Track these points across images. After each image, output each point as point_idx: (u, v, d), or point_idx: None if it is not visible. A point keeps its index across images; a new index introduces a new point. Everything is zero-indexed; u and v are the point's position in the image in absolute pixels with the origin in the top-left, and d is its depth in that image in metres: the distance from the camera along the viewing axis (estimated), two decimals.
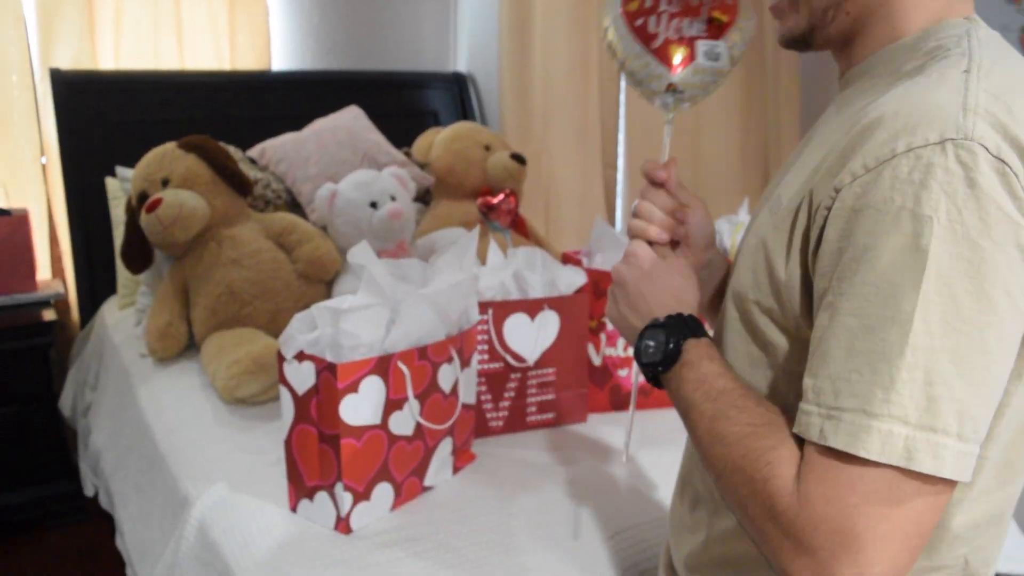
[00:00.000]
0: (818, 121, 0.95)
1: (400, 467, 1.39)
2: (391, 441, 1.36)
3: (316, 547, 1.28)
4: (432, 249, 2.26)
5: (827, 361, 0.69)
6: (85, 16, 2.56)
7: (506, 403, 1.70)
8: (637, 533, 1.38)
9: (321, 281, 2.20)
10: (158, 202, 1.97)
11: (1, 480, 2.36)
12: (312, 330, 1.32)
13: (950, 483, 0.66)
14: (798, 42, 0.87)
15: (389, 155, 2.64)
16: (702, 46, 0.99)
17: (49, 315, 2.38)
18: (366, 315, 1.30)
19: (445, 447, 1.48)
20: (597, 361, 1.85)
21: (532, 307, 1.69)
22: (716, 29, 1.00)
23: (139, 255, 2.11)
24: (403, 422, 1.38)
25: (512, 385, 1.70)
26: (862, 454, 0.65)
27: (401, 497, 1.41)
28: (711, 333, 0.94)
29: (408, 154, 2.74)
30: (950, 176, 0.64)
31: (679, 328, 0.87)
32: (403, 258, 1.53)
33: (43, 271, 2.58)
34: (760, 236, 0.83)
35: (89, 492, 2.27)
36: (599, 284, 1.82)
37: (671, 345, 0.86)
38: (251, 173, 2.40)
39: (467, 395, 1.53)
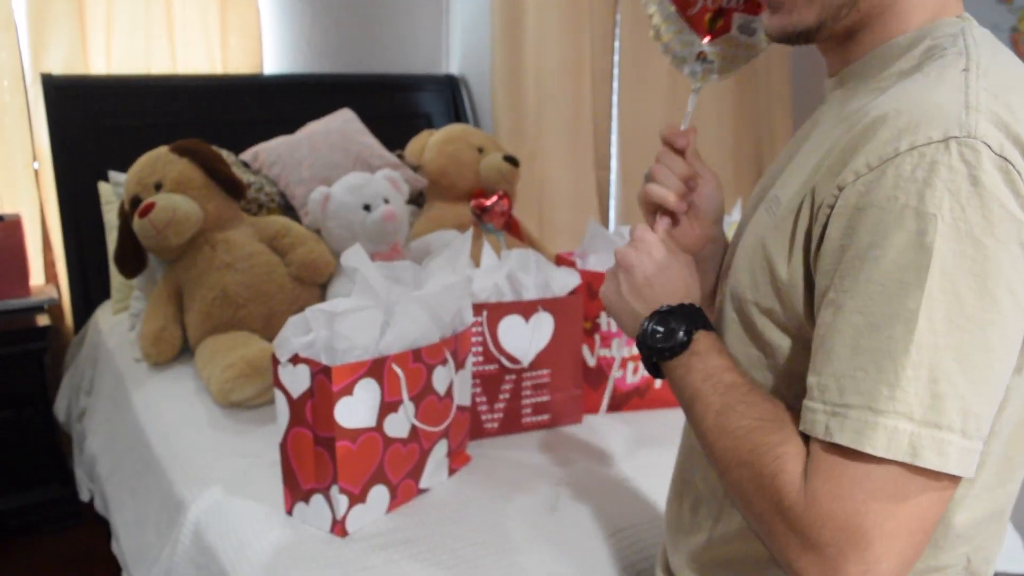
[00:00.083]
0: (809, 120, 0.95)
1: (395, 469, 1.39)
2: (386, 443, 1.36)
3: (312, 550, 1.28)
4: (426, 251, 2.27)
5: (832, 359, 0.69)
6: (76, 20, 2.55)
7: (501, 405, 1.70)
8: (633, 533, 1.38)
9: (315, 284, 2.20)
10: (151, 206, 1.97)
11: None
12: (306, 333, 1.32)
13: (954, 479, 0.67)
14: (799, 37, 0.84)
15: (382, 158, 2.64)
16: (738, 19, 0.97)
17: (43, 320, 2.37)
18: (360, 318, 1.30)
19: (440, 449, 1.48)
20: (592, 362, 1.85)
21: (526, 309, 1.69)
22: (754, 5, 0.98)
23: (132, 259, 2.11)
24: (398, 424, 1.38)
25: (507, 387, 1.70)
26: (868, 450, 0.65)
27: (397, 499, 1.41)
28: None
29: (401, 156, 2.75)
30: (954, 174, 0.65)
31: (691, 317, 0.87)
32: (397, 260, 1.53)
33: (36, 276, 2.58)
34: (759, 236, 0.83)
35: (84, 497, 2.26)
36: (593, 285, 1.82)
37: (681, 333, 0.85)
38: (244, 176, 2.40)
39: (462, 397, 1.53)
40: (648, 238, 0.95)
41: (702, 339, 0.85)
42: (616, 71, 3.28)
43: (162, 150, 2.13)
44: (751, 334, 0.85)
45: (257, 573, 1.24)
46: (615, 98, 3.30)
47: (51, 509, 2.44)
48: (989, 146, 0.65)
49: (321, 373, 1.28)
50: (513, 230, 2.54)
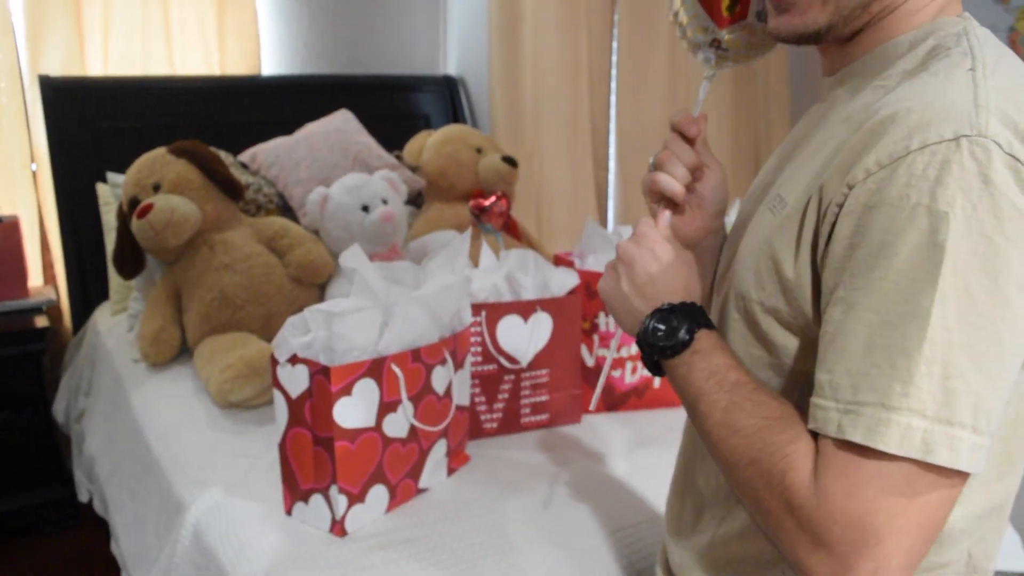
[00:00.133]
0: (804, 119, 0.95)
1: (395, 469, 1.39)
2: (385, 443, 1.37)
3: (311, 550, 1.28)
4: (424, 252, 2.27)
5: (844, 356, 0.69)
6: (73, 22, 2.55)
7: (500, 405, 1.70)
8: (633, 533, 1.38)
9: (313, 285, 2.20)
10: (149, 207, 1.97)
11: None
12: (305, 333, 1.32)
13: (963, 475, 0.67)
14: (809, 38, 0.84)
15: (380, 158, 2.64)
16: (756, 4, 0.97)
17: (41, 321, 2.37)
18: (359, 318, 1.31)
19: (439, 449, 1.49)
20: (590, 362, 1.85)
21: (525, 309, 1.70)
22: None
23: (131, 261, 2.11)
24: (397, 424, 1.38)
25: (506, 387, 1.70)
26: (881, 447, 0.65)
27: (396, 499, 1.41)
28: None
29: (399, 157, 2.75)
30: (965, 172, 0.65)
31: (693, 315, 0.86)
32: (395, 261, 1.54)
33: (35, 278, 2.58)
34: (763, 236, 0.83)
35: (83, 498, 2.26)
36: (591, 285, 1.82)
37: (683, 331, 0.85)
38: (242, 178, 2.40)
39: (461, 397, 1.53)
40: (651, 234, 0.93)
41: (704, 337, 0.84)
42: (614, 71, 3.28)
43: (160, 151, 2.13)
44: (755, 333, 0.85)
45: (257, 574, 1.24)
46: (613, 98, 3.31)
47: (50, 510, 2.44)
48: (999, 145, 0.66)
49: (320, 373, 1.28)
50: (511, 230, 2.55)
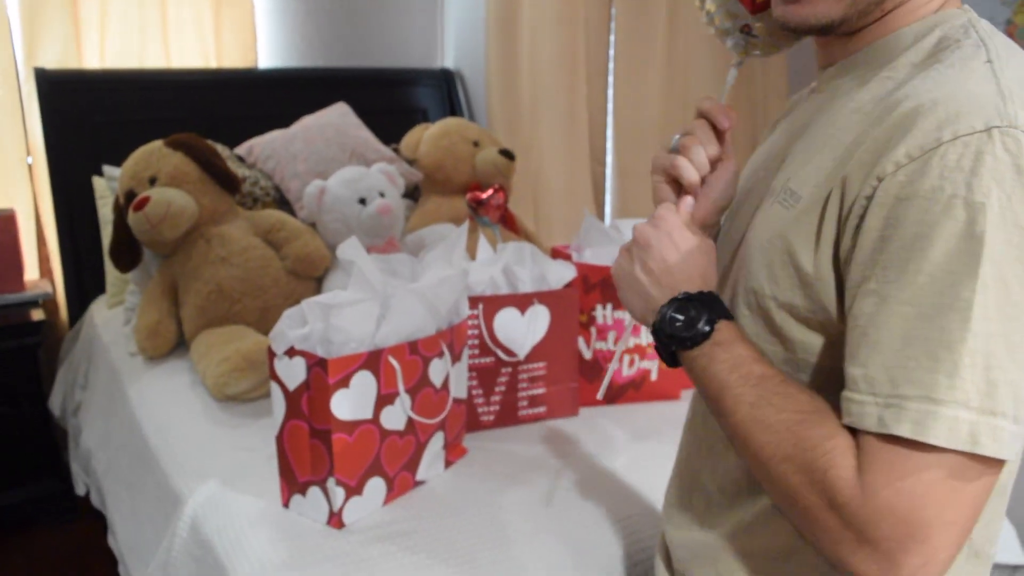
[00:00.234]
0: (798, 110, 0.95)
1: (392, 461, 1.39)
2: (383, 436, 1.36)
3: (309, 542, 1.28)
4: (421, 245, 2.26)
5: (879, 349, 0.68)
6: (70, 15, 2.54)
7: (497, 397, 1.70)
8: (630, 525, 1.38)
9: (310, 278, 2.20)
10: (146, 200, 1.97)
11: None
12: (302, 326, 1.32)
13: (1002, 464, 0.67)
14: (821, 29, 0.83)
15: (377, 152, 2.64)
16: None
17: (37, 315, 2.37)
18: (356, 310, 1.30)
19: (437, 441, 1.49)
20: (587, 355, 1.85)
21: (522, 302, 1.69)
22: None
23: (127, 254, 2.10)
24: (394, 417, 1.38)
25: (503, 379, 1.70)
26: (931, 441, 0.65)
27: (393, 491, 1.41)
28: None
29: (396, 150, 2.74)
30: (998, 163, 0.66)
31: (711, 305, 0.84)
32: (392, 254, 1.54)
33: (31, 271, 2.57)
34: (775, 230, 0.82)
35: (80, 491, 2.26)
36: (589, 278, 1.82)
37: (703, 322, 0.82)
38: (239, 171, 2.40)
39: (458, 389, 1.53)
40: (670, 218, 0.90)
41: (725, 328, 0.82)
42: (611, 64, 3.28)
43: (157, 144, 2.13)
44: (769, 329, 0.84)
45: (254, 566, 1.24)
46: (610, 92, 3.30)
47: (47, 504, 2.44)
48: None
49: (317, 366, 1.28)
50: (509, 223, 2.54)
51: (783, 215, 0.81)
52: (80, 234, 2.52)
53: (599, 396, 1.14)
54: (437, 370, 1.45)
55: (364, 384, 1.31)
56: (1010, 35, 2.71)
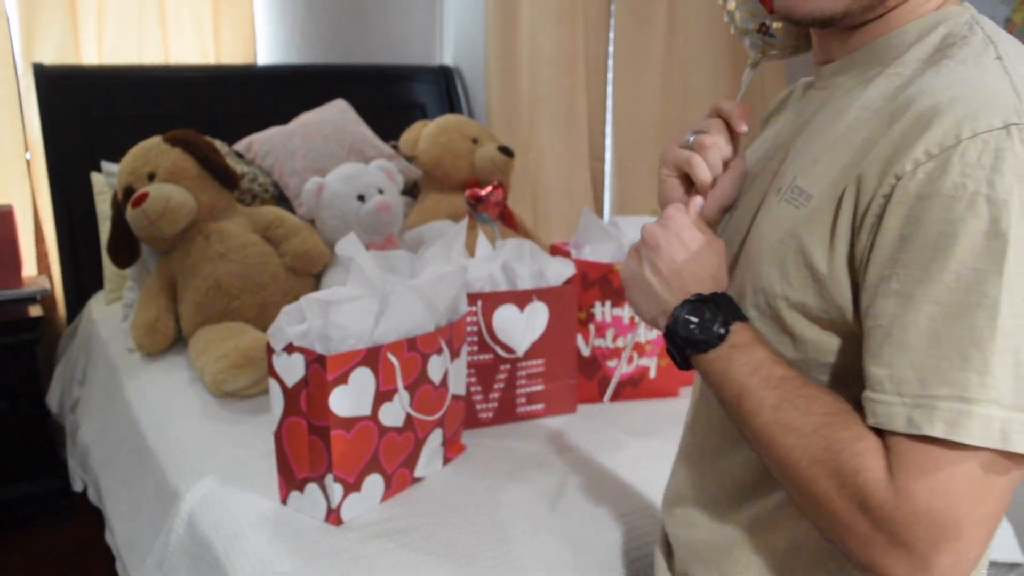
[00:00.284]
0: (799, 107, 0.94)
1: (390, 458, 1.39)
2: (381, 432, 1.36)
3: (307, 539, 1.28)
4: (420, 242, 2.26)
5: (905, 349, 0.68)
6: (68, 10, 2.54)
7: (496, 394, 1.70)
8: (628, 521, 1.38)
9: (309, 274, 2.20)
10: (144, 196, 1.96)
11: None
12: (301, 322, 1.32)
13: None
14: (824, 22, 0.82)
15: (376, 148, 2.64)
16: None
17: (35, 311, 2.37)
18: (355, 307, 1.30)
19: (435, 438, 1.48)
20: (586, 352, 1.85)
21: (521, 298, 1.69)
22: None
23: (125, 250, 2.10)
24: (393, 413, 1.38)
25: (502, 376, 1.70)
26: (965, 440, 0.65)
27: (391, 488, 1.41)
28: None
29: (395, 147, 2.74)
30: (1019, 160, 0.66)
31: (726, 307, 0.83)
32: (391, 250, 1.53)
33: (29, 267, 2.57)
34: (785, 229, 0.81)
35: (78, 487, 2.26)
36: (587, 275, 1.82)
37: (718, 325, 0.81)
38: (238, 167, 2.39)
39: (457, 386, 1.53)
40: (679, 218, 0.89)
41: (741, 331, 0.81)
42: (611, 61, 3.28)
43: (155, 140, 2.13)
44: (780, 329, 0.83)
45: (251, 562, 1.23)
46: (609, 89, 3.30)
47: (44, 500, 2.44)
48: None
49: (316, 362, 1.28)
50: (507, 220, 2.54)
51: (793, 214, 0.80)
52: (78, 230, 2.51)
53: (606, 399, 1.13)
54: (436, 367, 1.45)
55: (363, 380, 1.31)
56: (1009, 33, 2.71)
